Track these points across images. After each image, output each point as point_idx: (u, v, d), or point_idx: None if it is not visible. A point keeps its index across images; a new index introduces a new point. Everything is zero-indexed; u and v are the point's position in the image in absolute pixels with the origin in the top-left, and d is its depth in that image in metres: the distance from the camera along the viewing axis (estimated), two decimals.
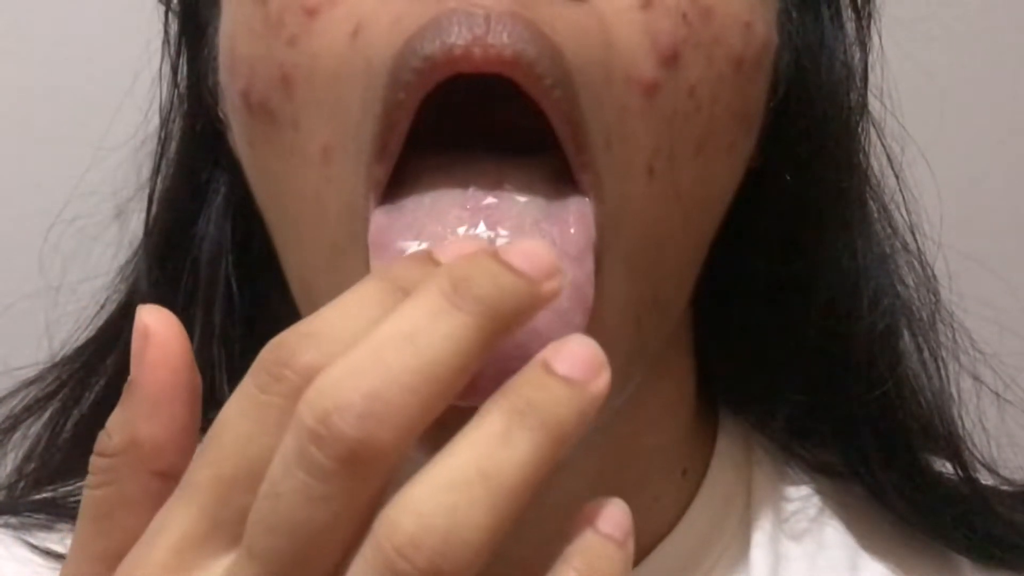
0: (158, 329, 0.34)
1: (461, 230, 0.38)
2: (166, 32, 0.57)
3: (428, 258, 0.34)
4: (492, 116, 0.41)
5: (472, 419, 0.31)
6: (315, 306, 0.43)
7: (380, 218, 0.39)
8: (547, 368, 0.32)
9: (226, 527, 0.32)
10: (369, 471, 0.30)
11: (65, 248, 0.65)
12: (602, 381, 0.32)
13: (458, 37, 0.37)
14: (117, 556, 0.33)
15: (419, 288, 0.32)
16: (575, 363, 0.32)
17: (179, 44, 0.56)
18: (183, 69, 0.56)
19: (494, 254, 0.32)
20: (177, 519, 0.32)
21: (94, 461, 0.34)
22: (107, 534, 0.34)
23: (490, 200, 0.39)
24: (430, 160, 0.41)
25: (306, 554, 0.30)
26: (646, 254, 0.42)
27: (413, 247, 0.38)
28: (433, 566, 0.29)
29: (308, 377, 0.31)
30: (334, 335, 0.32)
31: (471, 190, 0.39)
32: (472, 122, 0.42)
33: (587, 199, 0.40)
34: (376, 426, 0.29)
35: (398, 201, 0.40)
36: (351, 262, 0.41)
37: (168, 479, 0.33)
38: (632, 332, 0.42)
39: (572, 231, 0.39)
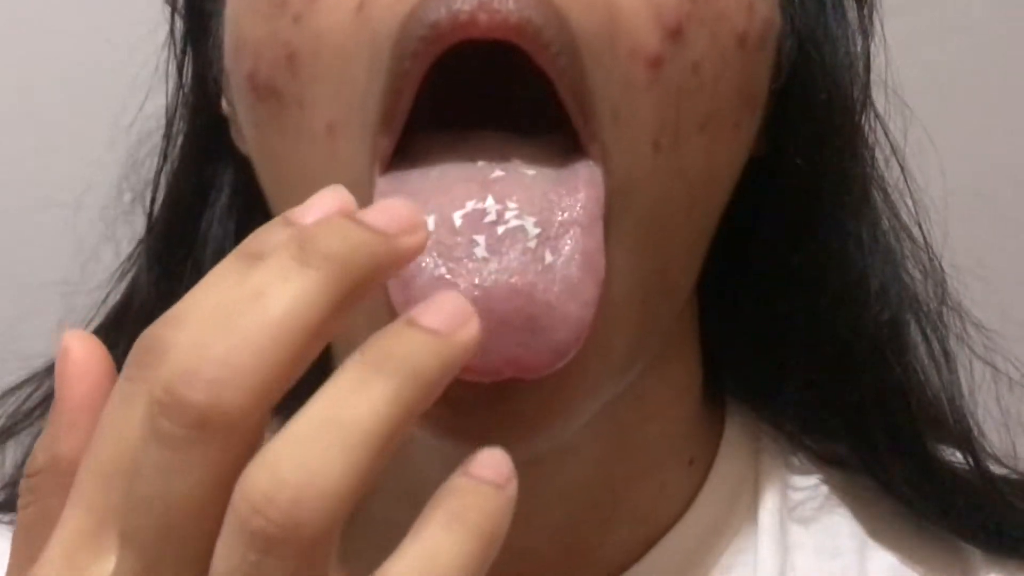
0: (76, 348, 0.34)
1: (469, 204, 0.38)
2: (172, 31, 0.57)
3: (285, 221, 0.33)
4: (498, 98, 0.42)
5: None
6: None
7: (383, 187, 0.39)
8: (410, 322, 0.31)
9: (113, 521, 0.31)
10: (224, 437, 0.29)
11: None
12: (468, 331, 0.31)
13: (464, 3, 0.37)
14: None
15: (269, 254, 0.31)
16: (439, 315, 0.31)
17: (184, 43, 0.56)
18: (188, 69, 0.56)
19: (349, 213, 0.32)
20: (69, 520, 0.32)
21: (22, 482, 0.34)
22: (35, 552, 0.33)
23: (498, 173, 0.39)
24: (436, 138, 0.41)
25: (174, 530, 0.29)
26: (653, 231, 0.42)
27: None
28: (290, 518, 0.28)
29: None
30: (194, 313, 0.31)
31: (479, 164, 0.39)
32: (478, 104, 0.42)
33: (597, 166, 0.40)
34: (225, 390, 0.29)
35: (403, 173, 0.40)
36: None
37: None
38: (639, 311, 0.42)
39: (581, 199, 0.38)
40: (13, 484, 0.59)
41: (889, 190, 0.54)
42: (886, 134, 0.54)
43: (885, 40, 0.52)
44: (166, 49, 0.57)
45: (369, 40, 0.40)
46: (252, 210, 0.54)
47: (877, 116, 0.53)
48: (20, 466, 0.59)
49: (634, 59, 0.40)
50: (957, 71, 0.74)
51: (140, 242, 0.59)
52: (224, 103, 0.52)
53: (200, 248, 0.55)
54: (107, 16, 0.72)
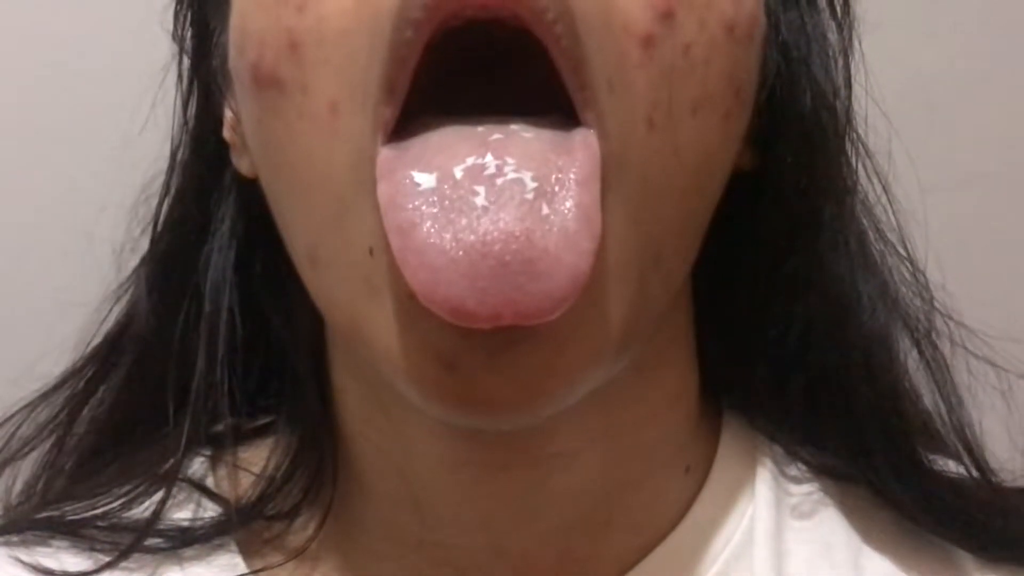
0: None
1: (470, 160, 0.40)
2: (180, 67, 0.59)
3: None
4: (495, 90, 0.43)
5: None
6: (321, 273, 0.45)
7: (387, 152, 0.41)
8: None
9: None
10: None
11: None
12: None
13: None
14: None
15: None
16: None
17: (191, 78, 0.58)
18: (193, 101, 0.58)
19: None
20: None
21: None
22: None
23: (497, 136, 0.41)
24: (436, 118, 0.42)
25: None
26: (647, 205, 0.43)
27: (422, 177, 0.39)
28: None
29: None
30: None
31: (479, 128, 0.41)
32: (478, 103, 0.43)
33: (592, 131, 0.41)
34: None
35: (404, 142, 0.41)
36: (358, 213, 0.42)
37: None
38: (636, 283, 0.43)
39: (578, 158, 0.40)
40: (13, 508, 0.59)
41: (871, 204, 0.55)
42: (865, 150, 0.55)
43: (863, 56, 0.54)
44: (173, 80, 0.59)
45: (371, 17, 0.41)
46: (253, 240, 0.55)
47: (857, 133, 0.55)
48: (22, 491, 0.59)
49: (628, 35, 0.42)
50: (936, 84, 0.76)
51: (139, 264, 0.60)
52: (226, 125, 0.53)
53: (200, 276, 0.56)
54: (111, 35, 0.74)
